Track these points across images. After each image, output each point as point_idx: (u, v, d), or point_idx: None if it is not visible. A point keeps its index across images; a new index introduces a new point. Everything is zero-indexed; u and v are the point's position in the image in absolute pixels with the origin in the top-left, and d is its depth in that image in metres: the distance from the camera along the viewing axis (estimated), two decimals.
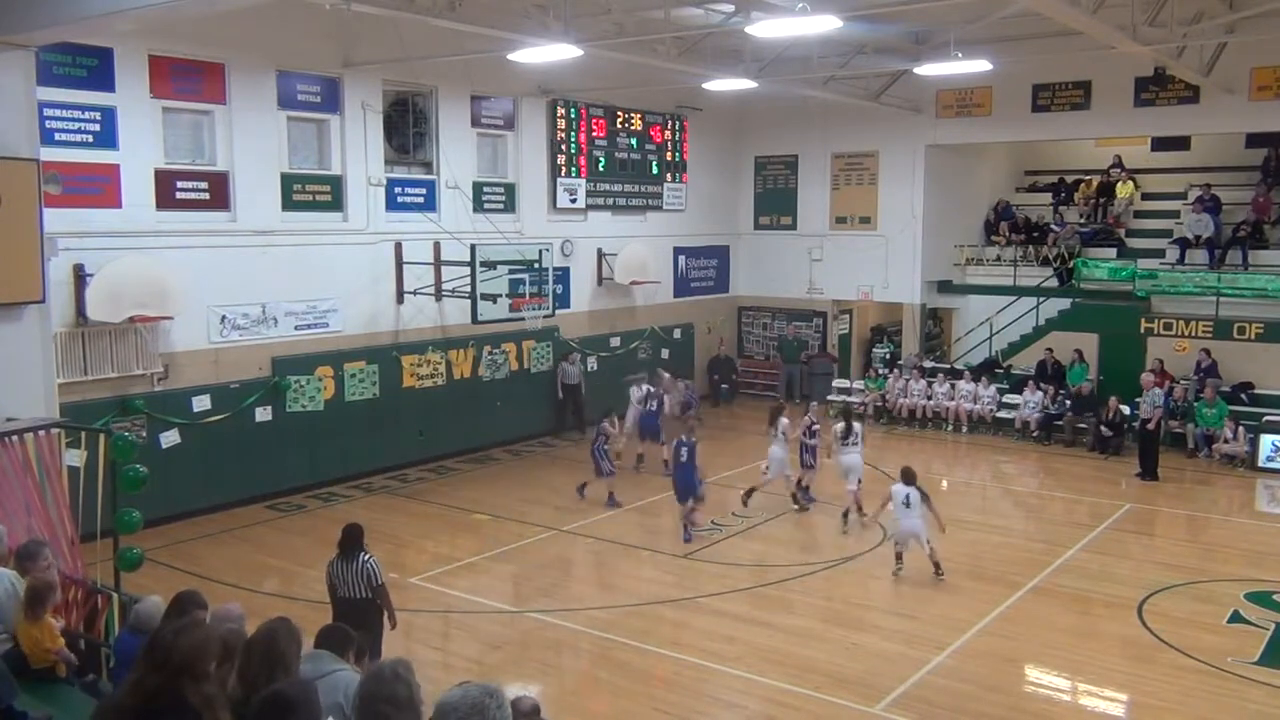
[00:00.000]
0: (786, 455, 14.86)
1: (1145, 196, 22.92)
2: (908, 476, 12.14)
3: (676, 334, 22.92)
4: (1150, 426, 16.91)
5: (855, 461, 14.31)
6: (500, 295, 16.61)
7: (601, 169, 20.81)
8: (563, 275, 19.64)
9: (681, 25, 15.07)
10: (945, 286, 22.89)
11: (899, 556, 12.18)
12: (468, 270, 16.39)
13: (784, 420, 14.88)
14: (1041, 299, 21.44)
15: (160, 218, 13.96)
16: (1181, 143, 22.39)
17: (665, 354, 22.41)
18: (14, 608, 6.65)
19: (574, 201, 20.25)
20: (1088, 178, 23.61)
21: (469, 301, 16.46)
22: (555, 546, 13.50)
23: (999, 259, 22.80)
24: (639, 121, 21.60)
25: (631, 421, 17.36)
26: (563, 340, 19.82)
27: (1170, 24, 13.88)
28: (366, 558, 8.60)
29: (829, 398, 22.20)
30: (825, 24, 11.64)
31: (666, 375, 19.06)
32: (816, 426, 15.12)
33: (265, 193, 15.17)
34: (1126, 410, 18.16)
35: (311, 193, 15.95)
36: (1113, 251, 21.90)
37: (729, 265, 24.62)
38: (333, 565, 8.71)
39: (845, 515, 14.08)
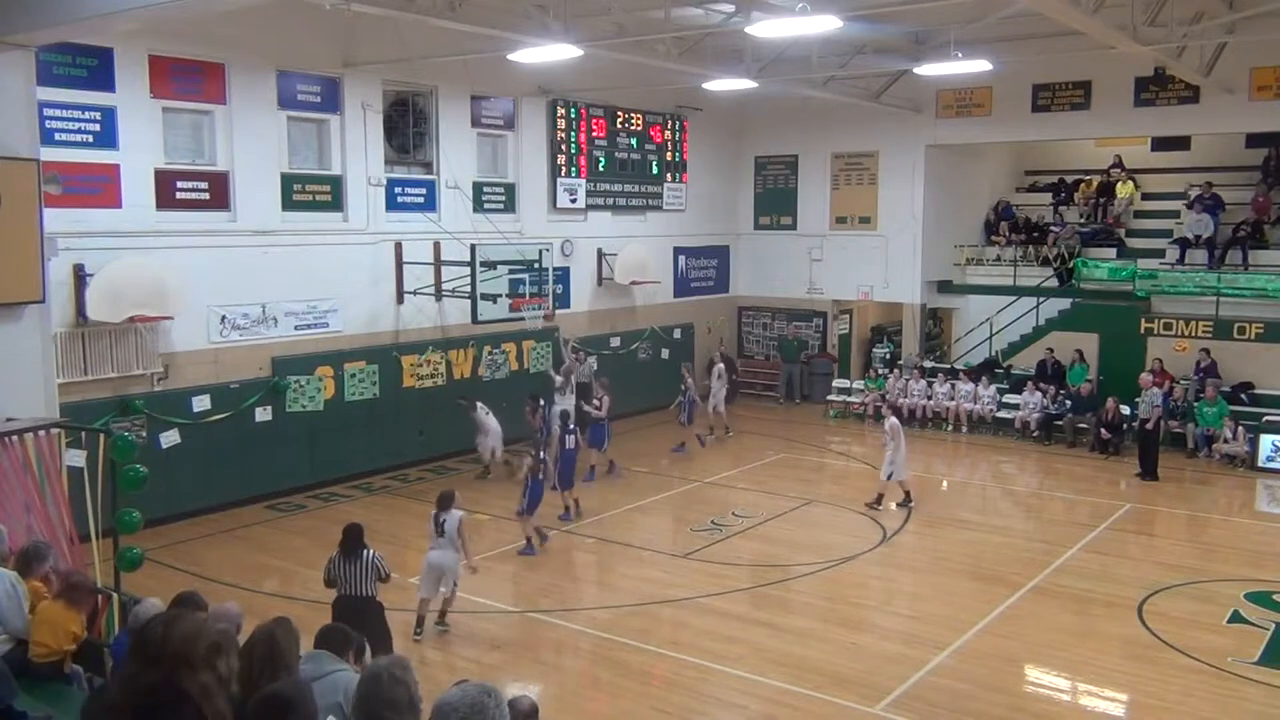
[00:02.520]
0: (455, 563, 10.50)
1: (1145, 196, 22.93)
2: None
3: (676, 334, 22.91)
4: (1149, 426, 16.90)
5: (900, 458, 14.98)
6: (500, 295, 16.61)
7: (601, 169, 20.80)
8: (563, 275, 19.64)
9: (681, 25, 15.06)
10: (945, 286, 22.89)
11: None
12: (468, 270, 16.38)
13: (454, 516, 10.36)
14: (1041, 299, 21.44)
15: (160, 218, 13.96)
16: (1181, 143, 22.38)
17: (665, 354, 22.41)
18: (13, 608, 6.66)
19: (574, 201, 20.24)
20: (1088, 178, 23.62)
21: (469, 301, 16.46)
22: (555, 546, 13.47)
23: (999, 259, 22.80)
24: (639, 121, 21.59)
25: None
26: (561, 340, 19.80)
27: (1170, 24, 13.89)
28: (371, 553, 8.74)
29: (829, 398, 22.25)
30: (825, 24, 11.63)
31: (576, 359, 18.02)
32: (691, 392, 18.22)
33: (265, 193, 15.17)
34: (1126, 410, 18.15)
35: (311, 193, 15.95)
36: (1113, 251, 21.90)
37: (729, 265, 24.62)
38: (334, 562, 8.78)
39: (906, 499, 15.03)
